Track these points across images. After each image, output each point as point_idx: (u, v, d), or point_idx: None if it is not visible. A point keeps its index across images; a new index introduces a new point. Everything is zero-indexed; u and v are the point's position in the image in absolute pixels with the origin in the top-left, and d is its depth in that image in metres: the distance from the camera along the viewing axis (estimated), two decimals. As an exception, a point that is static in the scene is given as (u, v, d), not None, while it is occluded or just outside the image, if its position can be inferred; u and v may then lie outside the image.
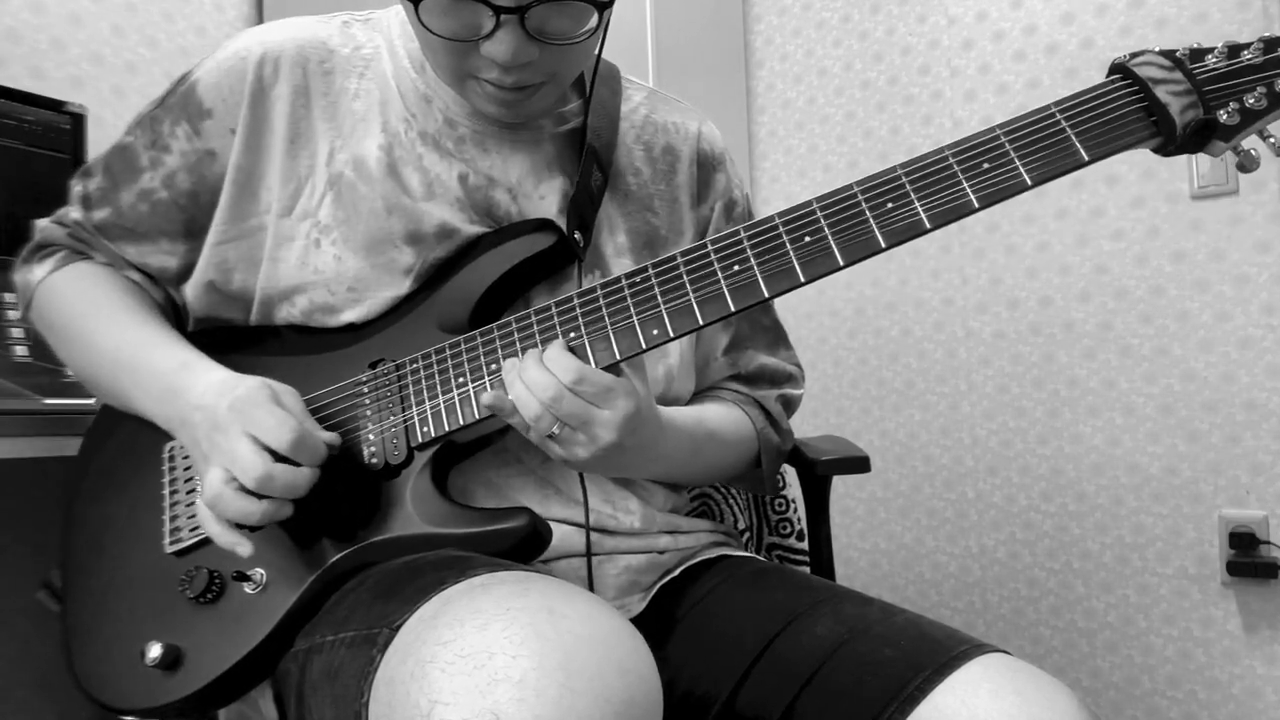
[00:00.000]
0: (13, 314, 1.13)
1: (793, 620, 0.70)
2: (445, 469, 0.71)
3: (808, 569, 1.04)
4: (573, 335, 0.67)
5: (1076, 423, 1.76)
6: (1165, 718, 1.67)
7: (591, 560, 0.74)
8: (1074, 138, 0.64)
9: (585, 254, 0.77)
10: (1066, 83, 1.77)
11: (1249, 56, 0.65)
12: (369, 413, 0.72)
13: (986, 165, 0.64)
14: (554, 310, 0.69)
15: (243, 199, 0.76)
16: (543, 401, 0.63)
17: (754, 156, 2.17)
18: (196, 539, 0.72)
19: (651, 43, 1.73)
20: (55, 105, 1.30)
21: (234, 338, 0.79)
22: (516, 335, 0.69)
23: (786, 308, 0.83)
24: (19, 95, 1.27)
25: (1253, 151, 0.67)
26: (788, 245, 0.65)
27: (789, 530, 1.05)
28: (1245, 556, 1.59)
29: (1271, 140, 0.66)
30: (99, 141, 1.27)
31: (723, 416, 0.84)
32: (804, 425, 1.99)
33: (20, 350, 1.10)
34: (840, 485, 1.85)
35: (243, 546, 0.64)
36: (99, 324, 0.77)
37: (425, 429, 0.69)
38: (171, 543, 0.73)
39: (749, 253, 0.66)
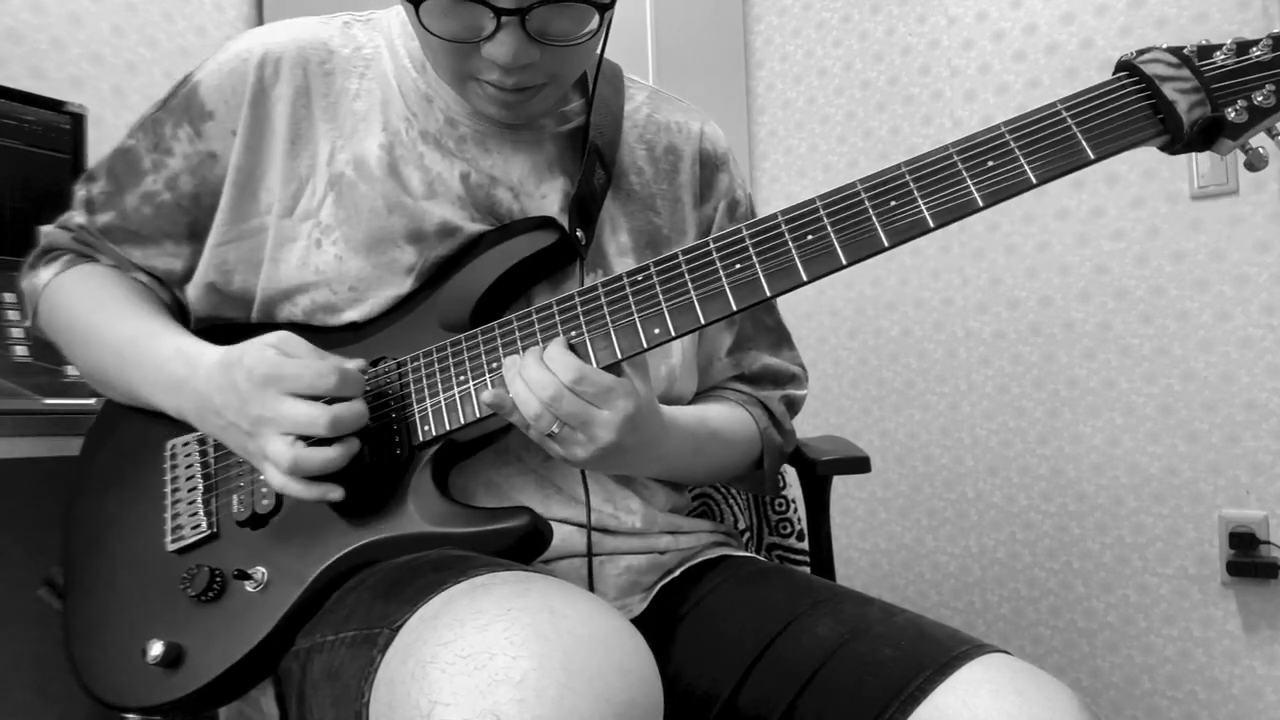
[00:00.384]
0: (12, 314, 1.13)
1: (793, 620, 0.70)
2: (446, 468, 0.71)
3: (808, 569, 1.04)
4: (574, 333, 0.67)
5: (1076, 423, 1.76)
6: (1165, 718, 1.67)
7: (592, 560, 0.74)
8: (1080, 136, 0.63)
9: (587, 253, 0.77)
10: (1066, 83, 1.77)
11: (1258, 53, 0.64)
12: (370, 411, 0.71)
13: (991, 163, 0.63)
14: (555, 308, 0.68)
15: (243, 200, 0.76)
16: (542, 400, 0.63)
17: (754, 156, 2.17)
18: (198, 537, 0.72)
19: (651, 43, 1.73)
20: (55, 105, 1.30)
21: (236, 336, 0.78)
22: (518, 333, 0.69)
23: (786, 307, 0.83)
24: (19, 95, 1.27)
25: (1261, 149, 0.66)
26: (790, 244, 0.65)
27: (789, 530, 1.05)
28: (1245, 556, 1.59)
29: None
30: (99, 141, 1.27)
31: (726, 416, 0.84)
32: (804, 425, 1.99)
33: (20, 350, 1.10)
34: (840, 485, 1.85)
35: (335, 491, 0.66)
36: (104, 320, 0.77)
37: (426, 427, 0.69)
38: (173, 541, 0.73)
39: (751, 251, 0.65)
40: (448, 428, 0.69)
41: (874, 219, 0.64)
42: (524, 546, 0.66)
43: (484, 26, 0.66)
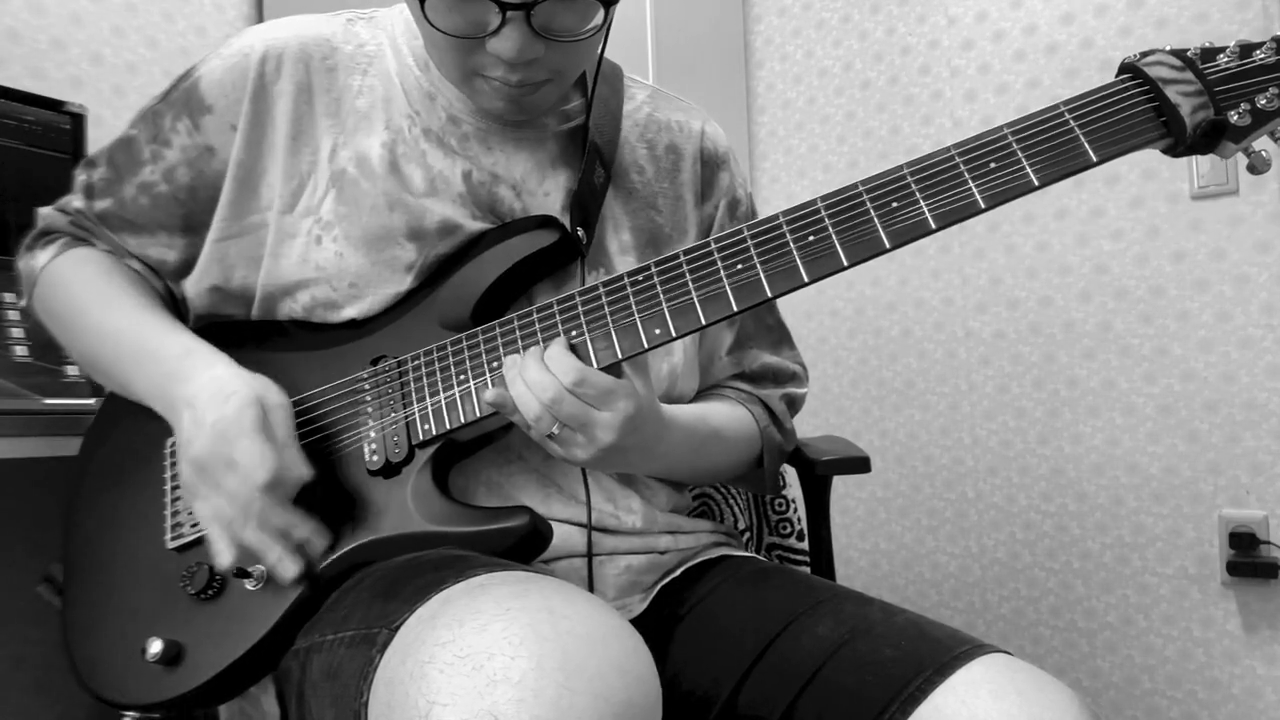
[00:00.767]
0: (13, 314, 1.13)
1: (793, 620, 0.70)
2: (446, 467, 0.71)
3: (808, 569, 1.03)
4: (574, 333, 0.67)
5: (1076, 423, 1.76)
6: (1165, 718, 1.67)
7: (592, 560, 0.74)
8: (1083, 138, 0.63)
9: (588, 251, 0.77)
10: (1066, 83, 1.77)
11: (1261, 56, 0.64)
12: (370, 410, 0.71)
13: (993, 165, 0.63)
14: (556, 308, 0.68)
15: (244, 195, 0.76)
16: (543, 402, 0.63)
17: (754, 156, 2.17)
18: (198, 534, 0.72)
19: (651, 43, 1.73)
20: (55, 105, 1.30)
21: (236, 333, 0.79)
22: (518, 332, 0.69)
23: (786, 307, 0.83)
24: (19, 95, 1.27)
25: (1264, 153, 0.66)
26: (791, 244, 0.65)
27: (789, 530, 1.05)
28: (1245, 556, 1.59)
29: None
30: (99, 141, 1.26)
31: (726, 415, 0.84)
32: (804, 425, 1.99)
33: (20, 350, 1.10)
34: (840, 485, 1.85)
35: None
36: (102, 309, 0.77)
37: (426, 426, 0.69)
38: (173, 538, 0.73)
39: (752, 252, 0.65)
40: (448, 427, 0.69)
41: (875, 220, 0.64)
42: (524, 546, 0.66)
43: (489, 22, 0.66)
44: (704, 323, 0.65)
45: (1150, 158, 1.69)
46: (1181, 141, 0.64)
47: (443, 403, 0.69)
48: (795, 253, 0.64)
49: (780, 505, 1.05)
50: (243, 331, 0.78)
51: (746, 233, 0.66)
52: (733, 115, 2.11)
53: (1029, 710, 0.56)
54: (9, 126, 1.25)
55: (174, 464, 0.76)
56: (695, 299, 0.65)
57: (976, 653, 0.62)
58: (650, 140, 0.86)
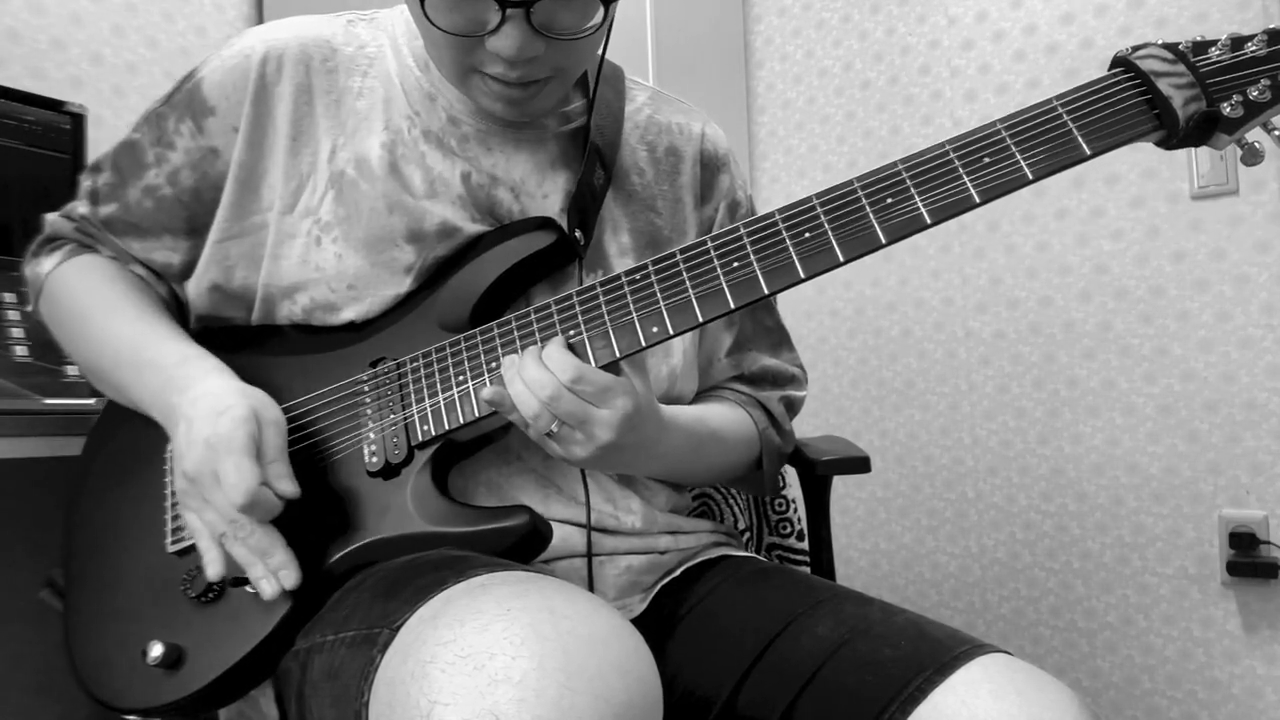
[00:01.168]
0: (13, 314, 1.13)
1: (793, 620, 0.70)
2: (446, 468, 0.71)
3: (808, 569, 1.03)
4: (572, 333, 0.67)
5: (1076, 423, 1.76)
6: (1165, 718, 1.67)
7: (592, 560, 0.74)
8: (1075, 131, 0.63)
9: (587, 253, 0.77)
10: (1066, 83, 1.77)
11: (1253, 49, 0.64)
12: (370, 411, 0.72)
13: (987, 159, 0.63)
14: (554, 308, 0.68)
15: (245, 196, 0.76)
16: (541, 400, 0.63)
17: (754, 156, 2.17)
18: (197, 538, 0.72)
19: (651, 43, 1.73)
20: (55, 105, 1.30)
21: (235, 338, 0.79)
22: (517, 333, 0.69)
23: (786, 307, 0.83)
24: (19, 95, 1.27)
25: (1257, 144, 0.66)
26: (788, 241, 0.65)
27: (789, 530, 1.05)
28: (1245, 556, 1.59)
29: (1276, 133, 0.65)
30: (99, 141, 1.27)
31: (725, 417, 0.84)
32: (804, 425, 1.99)
33: (20, 350, 1.10)
34: (840, 485, 1.85)
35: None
36: (104, 316, 0.77)
37: (425, 427, 0.69)
38: (173, 542, 0.73)
39: (749, 249, 0.65)
40: (447, 427, 0.69)
41: (871, 216, 0.64)
42: (524, 546, 0.66)
43: (488, 20, 0.66)
44: (701, 320, 0.65)
45: (1150, 157, 1.69)
46: (1174, 134, 0.64)
47: (441, 403, 0.69)
48: (791, 249, 0.65)
49: (780, 505, 1.05)
50: (243, 336, 0.79)
51: (743, 230, 0.66)
52: (733, 115, 2.11)
53: (1029, 710, 0.56)
54: (9, 126, 1.25)
55: (173, 468, 0.76)
56: (692, 297, 0.65)
57: (976, 653, 0.62)
58: (650, 142, 0.86)
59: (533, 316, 0.69)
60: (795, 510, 1.06)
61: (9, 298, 1.14)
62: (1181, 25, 1.66)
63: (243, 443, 0.65)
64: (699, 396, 0.88)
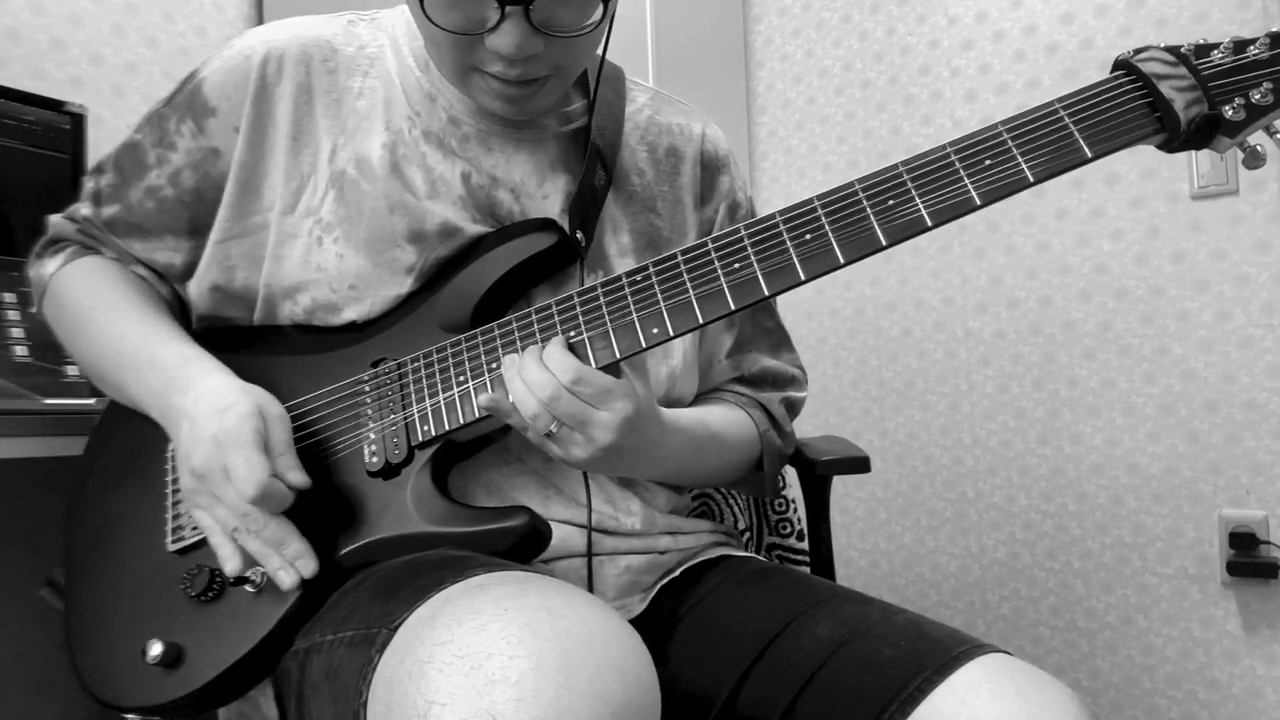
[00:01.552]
0: (13, 314, 1.13)
1: (793, 620, 0.70)
2: (446, 468, 0.71)
3: (808, 569, 1.03)
4: (573, 333, 0.67)
5: (1076, 423, 1.76)
6: (1165, 718, 1.67)
7: (592, 560, 0.74)
8: (1077, 134, 0.63)
9: (587, 253, 0.77)
10: (1066, 82, 1.77)
11: (1255, 52, 0.64)
12: (370, 412, 0.72)
13: (989, 162, 0.63)
14: (555, 309, 0.68)
15: (246, 196, 0.76)
16: (541, 400, 0.63)
17: (754, 156, 2.17)
18: (198, 537, 0.72)
19: (651, 43, 1.73)
20: (55, 105, 1.30)
21: (237, 338, 0.79)
22: (517, 334, 0.69)
23: (786, 307, 0.83)
24: (19, 95, 1.27)
25: (1259, 148, 0.66)
26: (788, 243, 0.65)
27: (789, 530, 1.05)
28: (1245, 556, 1.58)
29: (1278, 136, 0.65)
30: (99, 141, 1.27)
31: (725, 418, 0.84)
32: (804, 425, 1.99)
33: (20, 350, 1.10)
34: (840, 485, 1.85)
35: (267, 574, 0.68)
36: (105, 318, 0.78)
37: (425, 427, 0.69)
38: (174, 541, 0.73)
39: (749, 250, 0.65)
40: (446, 428, 0.69)
41: (872, 218, 0.64)
42: (523, 546, 0.66)
43: (488, 17, 0.66)
44: (701, 321, 0.65)
45: (1150, 157, 1.69)
46: (1176, 137, 0.64)
47: (441, 404, 0.69)
48: (792, 251, 0.65)
49: (780, 505, 1.05)
50: (245, 336, 0.79)
51: (743, 232, 0.66)
52: (733, 115, 2.11)
53: (1028, 710, 0.56)
54: (9, 126, 1.25)
55: (175, 467, 0.76)
56: (693, 298, 0.65)
57: (976, 653, 0.62)
58: (651, 143, 0.86)
59: (533, 317, 0.69)
60: (795, 510, 1.06)
61: (9, 298, 1.14)
62: (1181, 25, 1.66)
63: (250, 437, 0.65)
64: (699, 398, 0.88)
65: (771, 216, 0.66)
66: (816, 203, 0.65)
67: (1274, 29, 0.65)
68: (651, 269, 0.67)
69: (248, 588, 0.68)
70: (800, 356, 0.96)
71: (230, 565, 0.67)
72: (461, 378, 0.69)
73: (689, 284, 0.66)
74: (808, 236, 0.65)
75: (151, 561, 0.73)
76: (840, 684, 0.63)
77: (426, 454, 0.69)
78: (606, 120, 0.82)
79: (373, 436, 0.71)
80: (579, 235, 0.75)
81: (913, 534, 1.94)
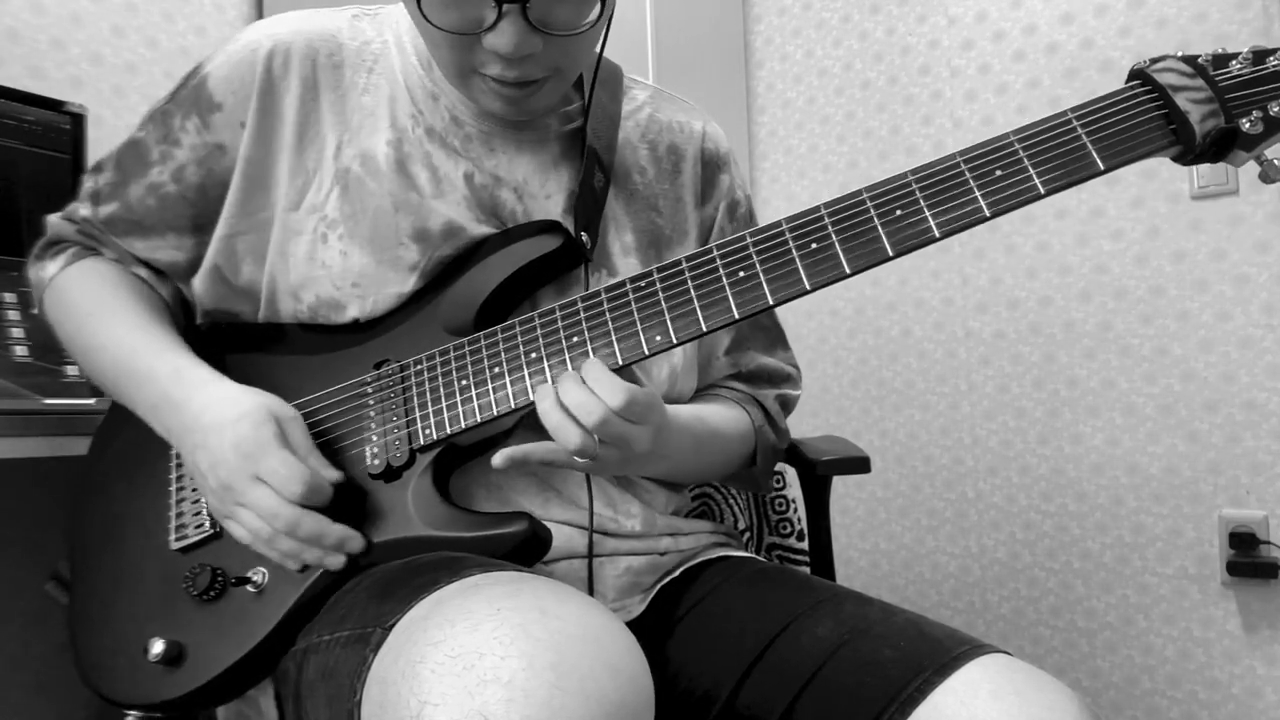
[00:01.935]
0: (13, 314, 1.13)
1: (793, 620, 0.70)
2: (447, 472, 0.71)
3: (808, 569, 1.03)
4: (576, 339, 0.67)
5: (1076, 423, 1.76)
6: (1165, 718, 1.67)
7: (592, 561, 0.74)
8: (1090, 146, 0.62)
9: (592, 254, 0.77)
10: (1066, 83, 1.77)
11: (1274, 63, 0.62)
12: (372, 414, 0.71)
13: (999, 172, 0.62)
14: (559, 313, 0.68)
15: (252, 192, 0.76)
16: (588, 426, 0.62)
17: (754, 156, 2.17)
18: (201, 536, 0.72)
19: (651, 43, 1.73)
20: (55, 105, 1.30)
21: (241, 336, 0.79)
22: (520, 338, 0.69)
23: (786, 306, 0.83)
24: (19, 95, 1.27)
25: (1276, 162, 0.64)
26: (794, 252, 0.64)
27: (789, 530, 1.05)
28: (1245, 556, 1.59)
29: None
30: (99, 141, 1.27)
31: (723, 415, 0.84)
32: (804, 425, 1.99)
33: (20, 350, 1.10)
34: (840, 485, 1.85)
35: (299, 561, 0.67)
36: (102, 325, 0.77)
37: (427, 431, 0.69)
38: (177, 539, 0.73)
39: (755, 258, 0.65)
40: (449, 431, 0.69)
41: (879, 228, 0.63)
42: (523, 552, 0.66)
43: (485, 17, 0.66)
44: (705, 330, 0.65)
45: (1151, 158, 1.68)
46: (1191, 150, 0.63)
47: (444, 407, 0.69)
48: (798, 260, 0.64)
49: (780, 505, 1.05)
50: (249, 334, 0.79)
51: (749, 239, 0.66)
52: (733, 115, 2.11)
53: (1028, 710, 0.56)
54: (9, 126, 1.24)
55: (179, 465, 0.76)
56: (697, 306, 0.65)
57: (976, 653, 0.62)
58: (651, 141, 0.86)
59: (537, 322, 0.69)
60: (795, 510, 1.06)
61: (9, 298, 1.14)
62: (1181, 25, 1.66)
63: (273, 439, 0.65)
64: (696, 394, 0.88)
65: (778, 224, 0.65)
66: (823, 210, 0.65)
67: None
68: (656, 275, 0.67)
69: (249, 588, 0.68)
70: (800, 356, 0.97)
71: (293, 563, 0.67)
72: (464, 381, 0.69)
73: (693, 292, 0.65)
74: (814, 245, 0.64)
75: (154, 559, 0.73)
76: (840, 684, 0.63)
77: (428, 457, 0.69)
78: (602, 122, 0.81)
79: (374, 439, 0.70)
80: (584, 238, 0.75)
81: (913, 534, 1.94)
